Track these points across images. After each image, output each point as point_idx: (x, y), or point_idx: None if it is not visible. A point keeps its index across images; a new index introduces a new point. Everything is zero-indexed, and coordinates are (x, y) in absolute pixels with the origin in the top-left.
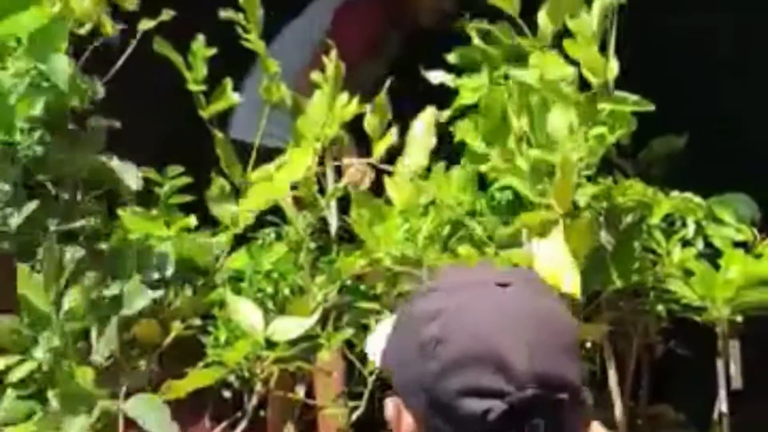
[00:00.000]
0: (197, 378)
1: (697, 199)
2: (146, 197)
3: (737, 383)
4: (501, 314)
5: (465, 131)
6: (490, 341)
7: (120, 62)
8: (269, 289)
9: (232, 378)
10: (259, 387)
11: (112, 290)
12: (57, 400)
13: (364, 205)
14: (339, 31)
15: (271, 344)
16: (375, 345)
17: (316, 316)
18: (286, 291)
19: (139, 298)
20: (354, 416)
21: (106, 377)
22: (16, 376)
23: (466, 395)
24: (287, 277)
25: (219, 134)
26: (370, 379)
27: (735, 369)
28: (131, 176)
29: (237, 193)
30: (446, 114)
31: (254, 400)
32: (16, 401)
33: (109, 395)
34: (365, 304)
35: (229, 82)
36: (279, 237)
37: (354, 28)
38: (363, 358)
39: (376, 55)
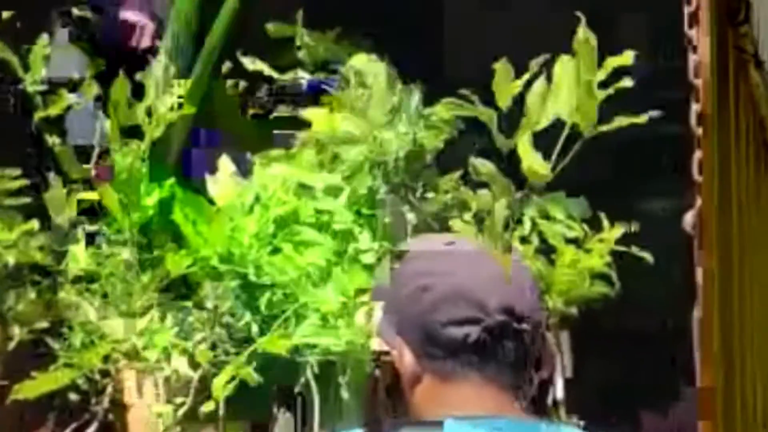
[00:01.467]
0: (50, 380)
1: (535, 198)
2: None
3: (568, 372)
4: (470, 266)
5: None
6: (465, 286)
7: None
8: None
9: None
10: (110, 389)
11: None
12: None
13: (189, 204)
14: None
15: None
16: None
17: (148, 316)
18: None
19: None
20: (180, 413)
21: None
22: None
23: (450, 325)
24: (114, 275)
25: (51, 138)
26: (196, 375)
27: (567, 359)
28: None
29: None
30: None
31: (105, 403)
32: None
33: None
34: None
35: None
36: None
37: None
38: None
39: None
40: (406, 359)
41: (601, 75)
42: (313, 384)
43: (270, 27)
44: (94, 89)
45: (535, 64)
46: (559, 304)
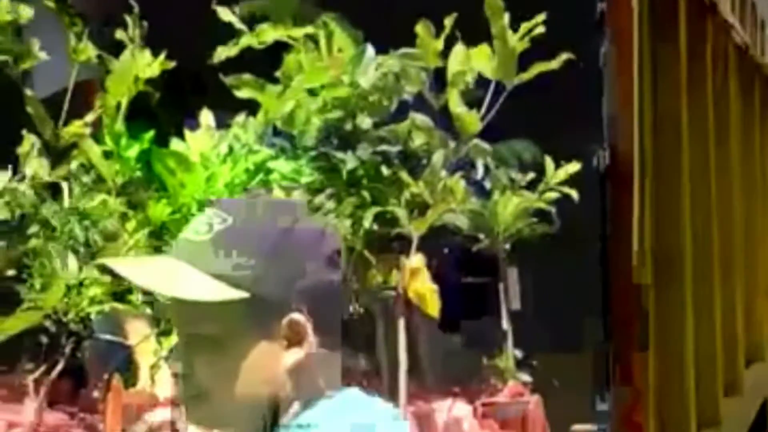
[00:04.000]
0: (17, 321)
1: (485, 145)
2: None
3: (516, 305)
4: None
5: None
6: None
7: None
8: (80, 236)
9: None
10: (74, 327)
11: None
12: None
13: (168, 155)
14: None
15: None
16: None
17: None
18: (97, 237)
19: None
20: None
21: None
22: None
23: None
24: (99, 223)
25: (29, 92)
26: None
27: (513, 292)
28: None
29: (47, 148)
30: (225, 53)
31: (71, 343)
32: None
33: None
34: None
35: (36, 42)
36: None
37: None
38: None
39: None
40: (309, 334)
41: (522, 44)
42: None
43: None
44: (89, 51)
45: (449, 20)
46: (504, 242)
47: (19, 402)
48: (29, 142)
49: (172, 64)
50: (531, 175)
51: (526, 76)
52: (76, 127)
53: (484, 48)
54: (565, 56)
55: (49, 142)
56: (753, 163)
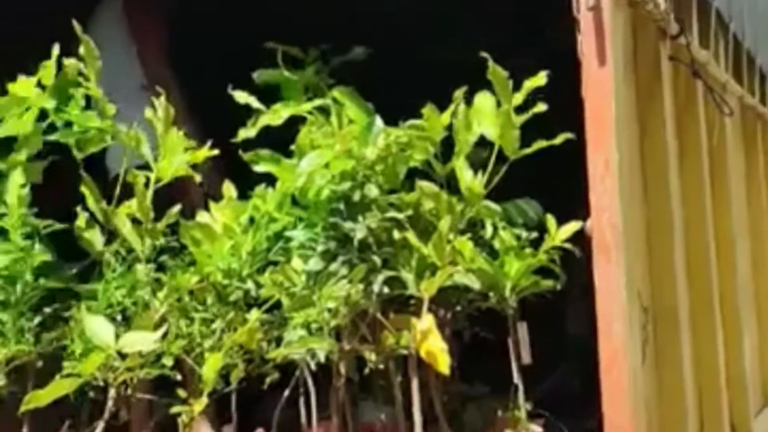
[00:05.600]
0: (56, 388)
1: (494, 206)
2: None
3: (527, 359)
4: None
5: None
6: None
7: None
8: (117, 304)
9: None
10: (113, 393)
11: None
12: None
13: (195, 226)
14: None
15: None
16: None
17: (162, 331)
18: (130, 305)
19: None
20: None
21: None
22: None
23: None
24: (132, 293)
25: (85, 175)
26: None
27: (524, 347)
28: None
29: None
30: (245, 134)
31: (110, 406)
32: None
33: None
34: (200, 315)
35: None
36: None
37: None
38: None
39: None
40: None
41: (519, 99)
42: (309, 381)
43: (256, 75)
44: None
45: (458, 95)
46: (512, 299)
47: None
48: (83, 218)
49: (215, 152)
50: (534, 234)
51: (527, 150)
52: (125, 208)
53: (486, 98)
54: (564, 136)
55: (99, 220)
56: (760, 210)
